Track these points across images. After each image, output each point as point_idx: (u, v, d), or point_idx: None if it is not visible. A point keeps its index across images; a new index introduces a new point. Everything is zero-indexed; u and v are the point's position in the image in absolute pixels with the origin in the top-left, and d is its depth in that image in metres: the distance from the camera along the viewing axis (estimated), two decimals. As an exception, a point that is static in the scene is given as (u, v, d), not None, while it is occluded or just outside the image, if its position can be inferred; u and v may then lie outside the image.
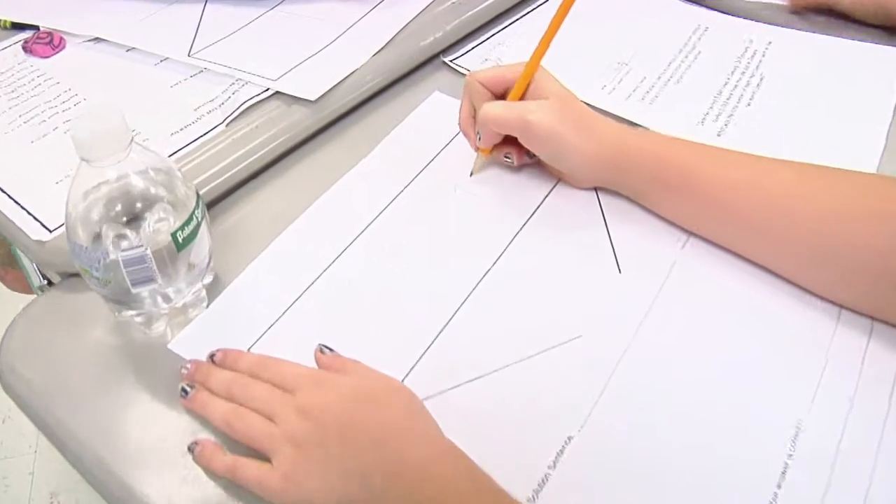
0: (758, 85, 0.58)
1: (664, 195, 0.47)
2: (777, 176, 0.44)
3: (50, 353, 0.43)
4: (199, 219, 0.42)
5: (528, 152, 0.50)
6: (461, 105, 0.51)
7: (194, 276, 0.43)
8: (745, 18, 0.67)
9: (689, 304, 0.44)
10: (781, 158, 0.45)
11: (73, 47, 0.66)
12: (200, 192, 0.50)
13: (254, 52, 0.62)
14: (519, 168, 0.52)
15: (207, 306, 0.45)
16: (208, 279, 0.46)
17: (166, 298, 0.43)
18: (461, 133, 0.52)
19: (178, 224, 0.40)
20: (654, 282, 0.45)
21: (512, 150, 0.50)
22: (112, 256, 0.39)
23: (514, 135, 0.48)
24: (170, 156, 0.53)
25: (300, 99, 0.56)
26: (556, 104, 0.46)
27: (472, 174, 0.52)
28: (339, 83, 0.57)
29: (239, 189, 0.53)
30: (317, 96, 0.56)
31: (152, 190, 0.41)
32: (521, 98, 0.48)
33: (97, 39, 0.65)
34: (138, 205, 0.40)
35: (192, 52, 0.61)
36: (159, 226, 0.41)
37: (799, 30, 0.64)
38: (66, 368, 0.43)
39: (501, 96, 0.49)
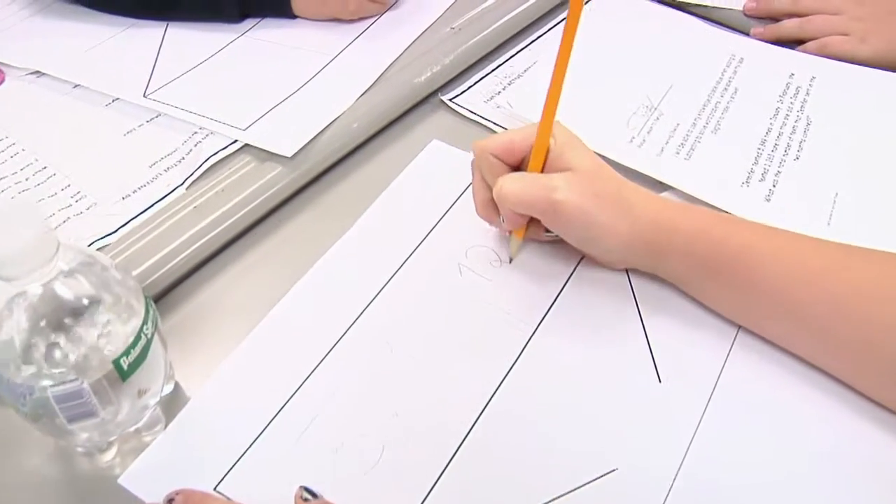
0: (805, 131, 0.51)
1: (711, 283, 0.39)
2: (858, 271, 0.36)
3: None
4: (150, 335, 0.34)
5: None
6: (473, 184, 0.42)
7: (146, 400, 0.35)
8: (782, 46, 0.59)
9: (744, 423, 0.37)
10: (859, 246, 0.38)
11: (13, 81, 0.57)
12: (153, 278, 0.42)
13: (220, 92, 0.53)
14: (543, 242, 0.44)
15: (165, 427, 0.38)
16: (167, 389, 0.38)
17: (114, 427, 0.35)
18: (484, 220, 0.43)
19: (121, 348, 0.33)
20: (701, 393, 0.38)
21: None
22: (41, 385, 0.32)
23: (537, 217, 0.39)
24: (122, 227, 0.45)
25: (274, 153, 0.48)
26: (586, 178, 0.38)
27: (511, 260, 0.44)
28: (319, 133, 0.49)
29: (202, 268, 0.45)
30: (293, 152, 0.47)
31: (85, 301, 0.33)
32: (543, 169, 0.40)
33: (40, 73, 0.57)
34: (67, 320, 0.33)
35: (148, 92, 0.53)
36: (102, 332, 0.33)
37: (845, 62, 0.57)
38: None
39: (518, 166, 0.41)
